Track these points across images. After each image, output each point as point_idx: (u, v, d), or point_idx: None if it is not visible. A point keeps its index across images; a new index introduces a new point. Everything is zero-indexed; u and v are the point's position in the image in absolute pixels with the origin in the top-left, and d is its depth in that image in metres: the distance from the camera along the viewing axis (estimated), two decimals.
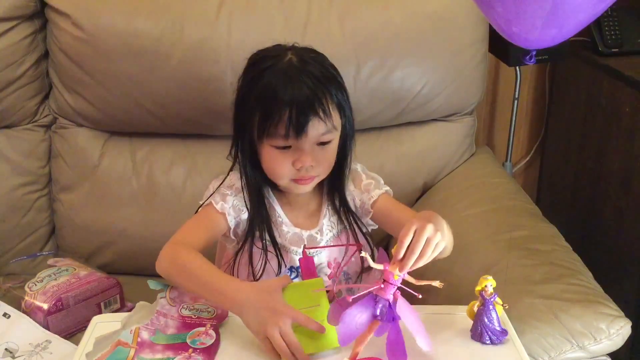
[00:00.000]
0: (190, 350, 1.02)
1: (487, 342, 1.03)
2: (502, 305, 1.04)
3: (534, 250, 1.32)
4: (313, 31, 1.54)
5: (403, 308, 0.94)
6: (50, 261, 1.47)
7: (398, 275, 0.91)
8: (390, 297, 0.92)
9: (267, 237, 1.21)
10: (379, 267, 0.92)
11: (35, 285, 1.36)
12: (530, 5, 0.85)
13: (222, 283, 1.05)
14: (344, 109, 1.16)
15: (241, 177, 1.20)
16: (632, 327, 1.15)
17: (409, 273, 0.94)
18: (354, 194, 1.26)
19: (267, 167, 1.16)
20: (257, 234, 1.21)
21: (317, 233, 1.24)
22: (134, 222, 1.62)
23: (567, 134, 2.04)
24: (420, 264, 0.93)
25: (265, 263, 1.20)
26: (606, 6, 0.88)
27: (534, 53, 0.94)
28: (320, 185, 1.24)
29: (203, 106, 1.58)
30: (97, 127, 1.65)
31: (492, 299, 1.03)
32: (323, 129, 1.12)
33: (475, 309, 1.04)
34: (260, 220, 1.20)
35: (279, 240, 1.21)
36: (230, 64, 1.53)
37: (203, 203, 1.22)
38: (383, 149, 1.66)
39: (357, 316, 0.92)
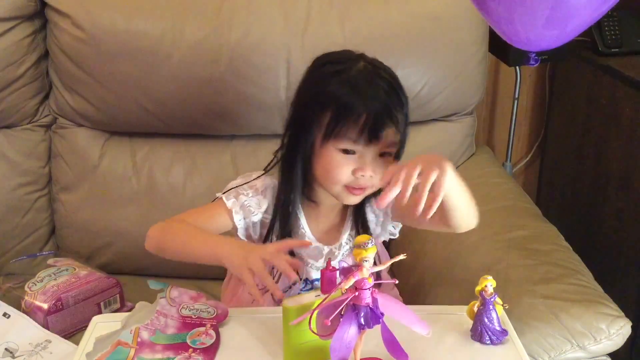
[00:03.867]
0: (190, 350, 1.02)
1: (487, 342, 1.03)
2: (502, 305, 1.04)
3: (534, 250, 1.32)
4: (313, 31, 1.54)
5: (385, 303, 0.92)
6: (50, 261, 1.47)
7: (371, 278, 0.88)
8: (370, 300, 0.89)
9: None
10: (350, 283, 0.88)
11: (35, 285, 1.36)
12: (530, 5, 0.84)
13: (207, 239, 1.08)
14: (408, 124, 1.13)
15: (283, 179, 1.16)
16: (632, 327, 1.15)
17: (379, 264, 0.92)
18: (373, 204, 1.23)
19: (325, 170, 1.11)
20: (274, 241, 1.17)
21: (336, 248, 1.22)
22: (134, 222, 1.62)
23: (567, 134, 2.04)
24: (422, 202, 0.93)
25: (281, 273, 1.17)
26: (608, 8, 0.87)
27: (534, 55, 0.93)
28: None
29: (203, 106, 1.58)
30: (97, 127, 1.65)
31: (492, 299, 1.03)
32: (391, 140, 1.09)
33: (475, 309, 1.04)
34: (282, 229, 1.17)
35: (297, 251, 1.19)
36: (230, 64, 1.53)
37: (219, 196, 1.18)
38: None
39: (344, 337, 0.89)
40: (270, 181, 1.19)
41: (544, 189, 2.22)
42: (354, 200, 1.14)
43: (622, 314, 1.16)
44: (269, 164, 1.20)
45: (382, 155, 1.10)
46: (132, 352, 1.01)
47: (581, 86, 1.93)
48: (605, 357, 1.17)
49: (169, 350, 1.01)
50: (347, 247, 1.23)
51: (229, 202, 1.16)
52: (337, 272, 0.92)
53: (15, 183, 1.64)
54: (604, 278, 1.28)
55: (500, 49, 1.79)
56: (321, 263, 1.21)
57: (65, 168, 1.66)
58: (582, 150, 1.96)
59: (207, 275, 1.62)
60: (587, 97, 1.91)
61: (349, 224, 1.23)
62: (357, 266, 0.89)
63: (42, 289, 1.35)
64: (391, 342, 0.95)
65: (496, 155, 1.94)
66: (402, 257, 0.93)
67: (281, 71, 1.55)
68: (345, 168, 1.09)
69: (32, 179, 1.66)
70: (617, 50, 1.85)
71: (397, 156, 1.15)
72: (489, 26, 1.61)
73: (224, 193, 1.18)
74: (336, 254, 1.22)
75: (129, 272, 1.61)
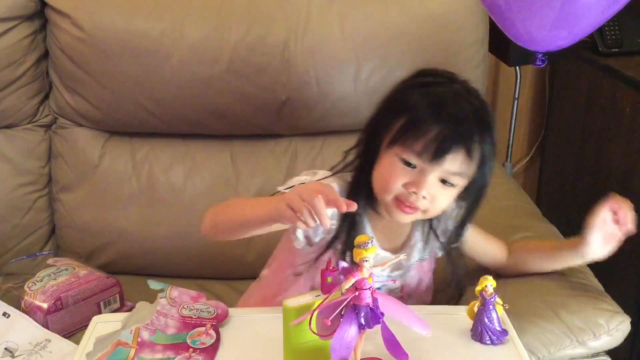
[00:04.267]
0: (191, 350, 1.02)
1: (487, 342, 1.03)
2: (502, 305, 1.04)
3: None
4: (313, 31, 1.54)
5: (385, 303, 0.92)
6: (50, 261, 1.47)
7: (371, 278, 0.88)
8: (370, 300, 0.89)
9: (349, 255, 1.12)
10: (350, 283, 0.88)
11: (35, 284, 1.36)
12: (539, 4, 0.84)
13: (259, 201, 1.06)
14: (485, 164, 1.09)
15: (354, 182, 1.12)
16: (631, 325, 1.15)
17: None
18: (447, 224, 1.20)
19: (381, 176, 1.07)
20: (339, 247, 1.13)
21: (404, 258, 1.17)
22: (134, 222, 1.62)
23: (567, 134, 2.04)
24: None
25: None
26: (618, 8, 0.87)
27: (541, 55, 0.92)
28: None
29: (203, 106, 1.58)
30: (97, 127, 1.65)
31: (492, 299, 1.03)
32: (457, 168, 1.04)
33: (476, 309, 1.04)
34: (347, 236, 1.12)
35: None
36: (230, 64, 1.53)
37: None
38: None
39: (344, 337, 0.89)
40: (337, 184, 1.13)
41: (544, 189, 2.22)
42: (403, 218, 1.09)
43: (621, 310, 1.16)
44: (337, 165, 1.16)
45: (444, 182, 1.06)
46: (132, 352, 1.01)
47: (581, 86, 1.93)
48: (604, 357, 1.17)
49: (169, 350, 1.01)
50: (415, 259, 1.20)
51: None
52: (337, 272, 0.92)
53: (15, 183, 1.63)
54: (603, 277, 1.28)
55: (500, 49, 1.79)
56: (386, 272, 1.18)
57: (65, 168, 1.66)
58: (582, 150, 1.96)
59: (207, 275, 1.62)
60: (587, 97, 1.91)
61: (416, 237, 1.19)
62: (357, 266, 0.89)
63: (41, 289, 1.35)
64: (391, 342, 0.95)
65: (496, 155, 1.93)
66: (402, 257, 0.93)
67: (281, 71, 1.55)
68: (400, 179, 1.05)
69: (32, 179, 1.66)
70: (617, 50, 1.85)
71: (470, 195, 1.11)
72: (489, 26, 1.62)
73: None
74: (404, 263, 1.19)
75: (129, 272, 1.61)
